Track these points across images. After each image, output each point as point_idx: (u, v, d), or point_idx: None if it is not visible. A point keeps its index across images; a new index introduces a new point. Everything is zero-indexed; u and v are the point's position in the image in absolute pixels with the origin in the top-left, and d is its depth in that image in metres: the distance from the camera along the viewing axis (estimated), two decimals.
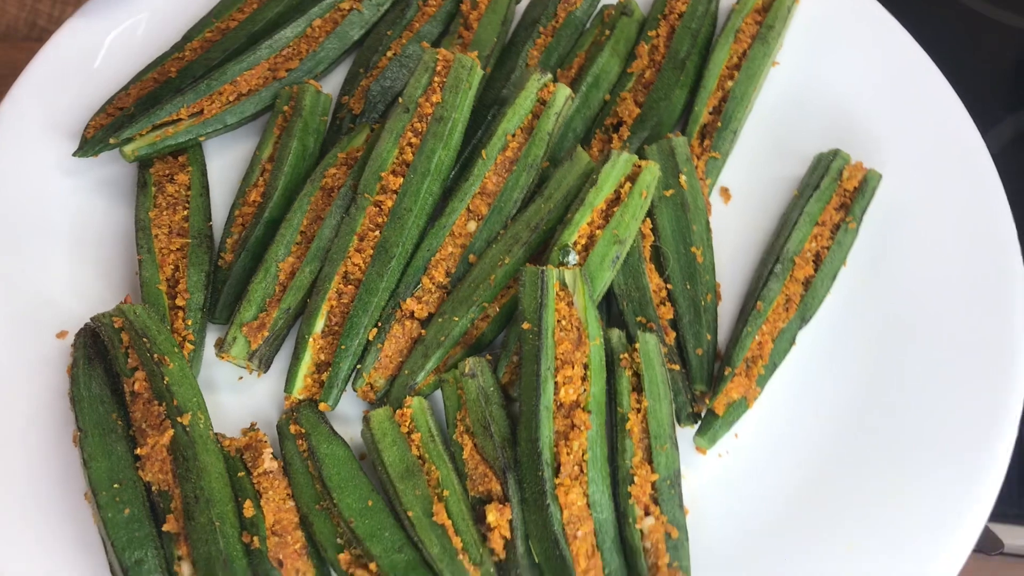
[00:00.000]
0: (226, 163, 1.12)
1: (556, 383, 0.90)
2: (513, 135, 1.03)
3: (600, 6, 1.19)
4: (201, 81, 1.09)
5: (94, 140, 1.07)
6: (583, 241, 0.97)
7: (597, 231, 0.97)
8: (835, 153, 1.06)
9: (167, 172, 1.08)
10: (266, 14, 1.15)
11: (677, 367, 0.96)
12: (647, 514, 0.88)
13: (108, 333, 0.93)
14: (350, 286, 0.97)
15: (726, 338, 1.01)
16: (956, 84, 1.03)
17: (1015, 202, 0.97)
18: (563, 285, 0.93)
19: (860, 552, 0.89)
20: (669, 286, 1.00)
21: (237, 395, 0.99)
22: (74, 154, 1.07)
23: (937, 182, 1.04)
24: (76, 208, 1.08)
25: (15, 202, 1.06)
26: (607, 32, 1.14)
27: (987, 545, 1.09)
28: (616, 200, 0.98)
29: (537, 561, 0.86)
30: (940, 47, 1.04)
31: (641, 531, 0.87)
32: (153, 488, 0.87)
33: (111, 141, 1.05)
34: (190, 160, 1.09)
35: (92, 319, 0.96)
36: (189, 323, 0.98)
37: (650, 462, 0.90)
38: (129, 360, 0.92)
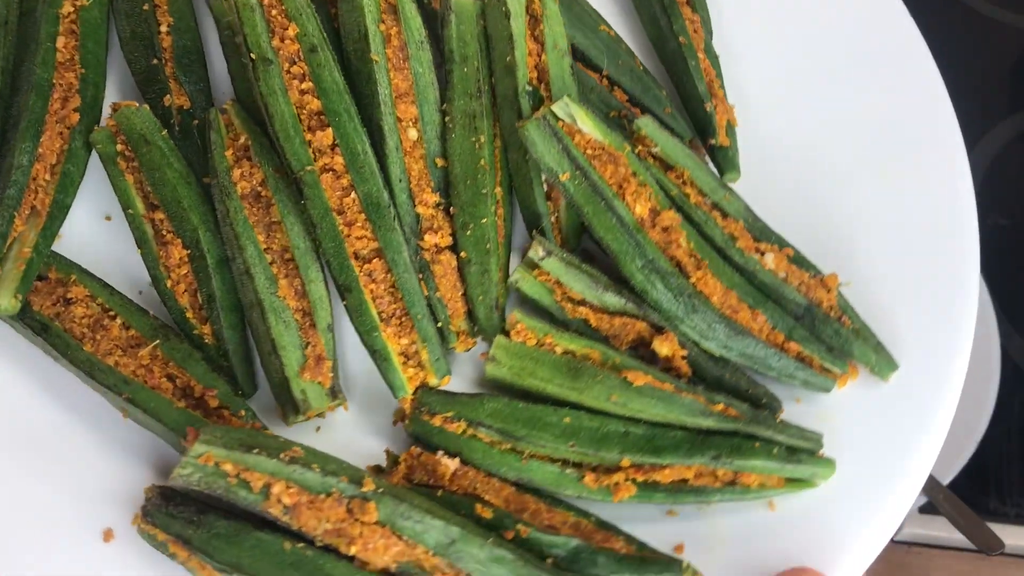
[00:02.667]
0: (95, 252, 0.88)
1: (627, 203, 0.87)
2: (380, 20, 0.91)
3: None
4: (1, 180, 0.83)
5: None
6: (533, 75, 0.92)
7: (540, 58, 0.92)
8: None
9: (54, 300, 0.83)
10: None
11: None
12: (762, 254, 0.91)
13: None
14: (373, 260, 0.84)
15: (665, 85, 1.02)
16: (956, 84, 1.00)
17: (1016, 202, 1.01)
18: (563, 123, 0.88)
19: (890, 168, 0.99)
20: (605, 72, 0.98)
21: (328, 444, 0.84)
22: None
23: None
24: None
25: None
26: None
27: (987, 545, 1.13)
28: (533, 20, 0.92)
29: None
30: (940, 47, 1.00)
31: (771, 271, 0.91)
32: None
33: None
34: (62, 271, 0.85)
35: None
36: (243, 413, 0.81)
37: (727, 216, 0.92)
38: None
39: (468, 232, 0.89)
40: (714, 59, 1.01)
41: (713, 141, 0.97)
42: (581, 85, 0.95)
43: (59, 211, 0.86)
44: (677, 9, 1.01)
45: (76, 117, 0.88)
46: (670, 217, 0.88)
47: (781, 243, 0.93)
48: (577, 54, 0.98)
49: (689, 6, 1.02)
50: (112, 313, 0.83)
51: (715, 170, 0.97)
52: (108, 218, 0.91)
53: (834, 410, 0.89)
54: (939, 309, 0.92)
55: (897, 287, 0.93)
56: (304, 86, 0.86)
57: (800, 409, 0.89)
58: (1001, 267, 1.27)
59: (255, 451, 0.74)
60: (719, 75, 1.01)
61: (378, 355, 0.84)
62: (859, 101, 1.00)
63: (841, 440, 0.87)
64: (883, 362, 0.90)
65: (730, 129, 0.98)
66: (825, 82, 1.01)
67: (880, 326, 0.91)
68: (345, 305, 0.84)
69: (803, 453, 0.85)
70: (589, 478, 0.82)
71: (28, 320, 0.82)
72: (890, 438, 0.88)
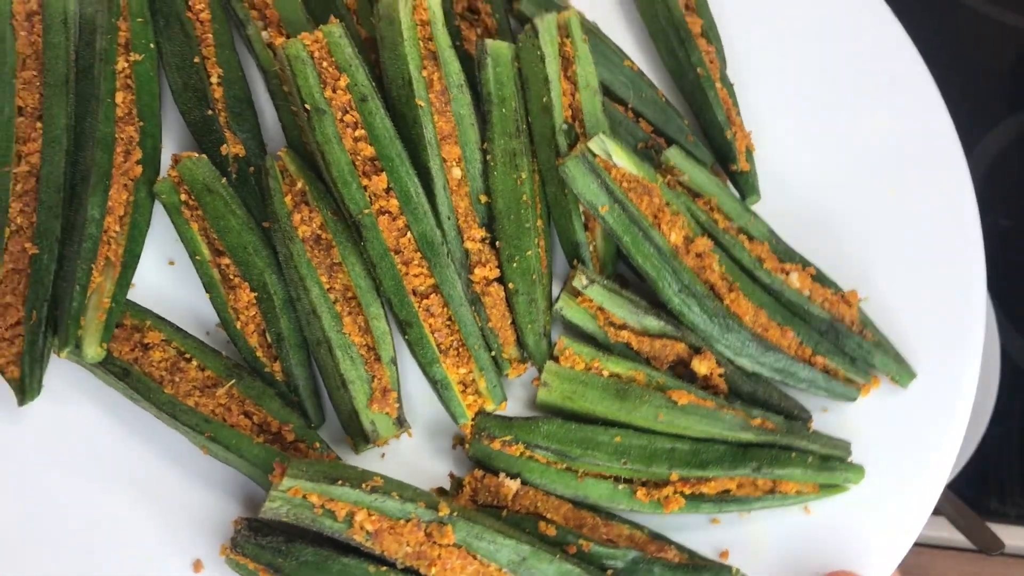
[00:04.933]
0: (162, 297, 0.93)
1: (663, 232, 0.94)
2: (422, 66, 0.97)
3: None
4: (76, 235, 0.88)
5: (29, 374, 0.85)
6: (568, 114, 0.97)
7: (574, 97, 0.98)
8: None
9: (132, 346, 0.88)
10: (58, 123, 0.92)
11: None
12: (787, 274, 0.98)
13: None
14: (431, 296, 0.90)
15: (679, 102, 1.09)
16: (956, 84, 1.00)
17: (1016, 203, 1.02)
18: (599, 158, 0.94)
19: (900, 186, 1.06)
20: (630, 104, 1.04)
21: (394, 469, 0.90)
22: (22, 403, 0.84)
23: None
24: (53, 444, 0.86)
25: None
26: None
27: (987, 545, 1.14)
28: (565, 61, 0.98)
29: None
30: (940, 47, 0.99)
31: (797, 289, 0.97)
32: None
33: (60, 355, 0.84)
34: (136, 317, 0.90)
35: None
36: (317, 446, 0.87)
37: (752, 239, 0.99)
38: None
39: (514, 264, 0.94)
40: (730, 88, 1.07)
41: (734, 167, 1.03)
42: (611, 119, 1.01)
43: (131, 260, 0.90)
44: (693, 42, 1.07)
45: (139, 169, 0.92)
46: (703, 244, 0.94)
47: (804, 262, 1.00)
48: (604, 89, 1.03)
49: (704, 38, 1.08)
50: (187, 356, 0.89)
51: (737, 194, 1.03)
52: (172, 263, 0.95)
53: (859, 418, 0.96)
54: (950, 318, 1.00)
55: (910, 300, 1.00)
56: (357, 134, 0.91)
57: (827, 418, 0.97)
58: (1001, 268, 1.28)
59: (338, 482, 0.80)
60: (735, 103, 1.07)
61: (439, 385, 0.90)
62: (866, 125, 1.07)
63: (867, 446, 0.94)
64: (903, 371, 0.97)
65: (749, 154, 1.05)
66: (833, 107, 1.08)
67: (896, 337, 0.98)
68: (406, 339, 0.90)
69: (834, 460, 0.92)
70: (641, 493, 0.89)
71: (110, 366, 0.87)
72: (912, 440, 0.95)
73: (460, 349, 0.91)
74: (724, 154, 1.04)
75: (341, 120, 0.91)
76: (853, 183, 1.05)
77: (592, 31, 1.05)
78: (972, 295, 1.01)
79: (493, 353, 0.93)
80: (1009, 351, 1.32)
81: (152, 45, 0.98)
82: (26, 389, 0.84)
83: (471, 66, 1.00)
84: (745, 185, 1.04)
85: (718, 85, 1.06)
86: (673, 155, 0.98)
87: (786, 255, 0.99)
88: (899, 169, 1.05)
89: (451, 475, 0.91)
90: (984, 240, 1.01)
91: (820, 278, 0.99)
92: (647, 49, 1.11)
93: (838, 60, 1.10)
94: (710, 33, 1.09)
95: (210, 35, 0.99)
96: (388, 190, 0.91)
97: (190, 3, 1.00)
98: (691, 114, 1.08)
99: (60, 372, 0.89)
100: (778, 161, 1.06)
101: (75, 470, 0.87)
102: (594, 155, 0.94)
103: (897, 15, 1.10)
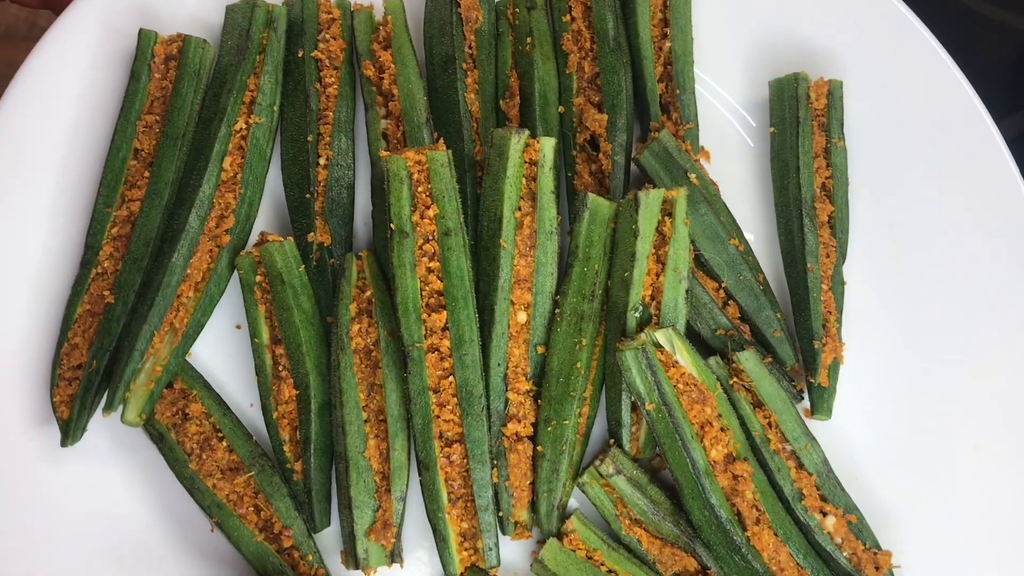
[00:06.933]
0: (219, 360, 0.98)
1: (704, 447, 0.91)
2: (517, 206, 0.95)
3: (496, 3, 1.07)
4: (150, 295, 0.92)
5: (76, 419, 0.91)
6: (647, 292, 0.94)
7: (658, 278, 0.94)
8: (795, 77, 1.05)
9: (174, 412, 0.93)
10: (165, 176, 0.96)
11: (769, 359, 0.99)
12: (824, 515, 0.94)
13: None
14: (455, 444, 0.91)
15: (784, 301, 1.03)
16: None
17: None
18: (662, 350, 0.91)
19: (985, 450, 0.99)
20: (724, 284, 1.00)
21: None
22: (63, 444, 0.91)
23: (894, 83, 1.05)
24: (83, 490, 0.93)
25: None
26: (527, 39, 1.04)
27: None
28: (661, 238, 0.95)
29: None
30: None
31: (829, 534, 0.93)
32: None
33: (104, 414, 0.90)
34: (187, 383, 0.94)
35: None
36: (310, 558, 0.91)
37: (801, 467, 0.95)
38: None
39: (549, 428, 0.94)
40: (839, 288, 1.01)
41: (812, 379, 0.98)
42: (695, 299, 0.97)
43: (195, 330, 0.95)
44: (815, 230, 1.01)
45: (227, 238, 0.96)
46: (743, 468, 0.91)
47: (848, 507, 0.95)
48: (701, 263, 1.00)
49: (829, 226, 1.02)
50: (220, 435, 0.93)
51: (805, 407, 0.99)
52: (238, 327, 0.99)
53: None
54: None
55: None
56: (432, 264, 0.91)
57: None
58: None
59: None
60: (839, 306, 1.01)
61: (439, 534, 0.91)
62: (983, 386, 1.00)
63: None
64: None
65: (834, 367, 0.99)
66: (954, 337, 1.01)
67: None
68: (420, 480, 0.91)
69: None
70: None
71: (149, 428, 0.93)
72: None
73: (468, 503, 0.92)
74: (808, 360, 0.99)
75: (420, 247, 0.92)
76: (944, 441, 0.99)
77: (709, 198, 1.00)
78: None
79: (501, 513, 0.93)
80: None
81: (276, 108, 1.00)
82: (70, 432, 0.91)
83: (575, 205, 0.98)
84: (818, 399, 0.99)
85: (824, 286, 1.00)
86: (746, 359, 0.94)
87: (831, 494, 0.95)
88: (989, 429, 0.98)
89: None
90: None
91: (859, 527, 0.95)
92: (770, 219, 1.05)
93: (969, 284, 1.02)
94: (838, 223, 1.03)
95: (331, 113, 1.01)
96: (444, 328, 0.91)
97: (322, 74, 1.01)
98: (790, 304, 1.03)
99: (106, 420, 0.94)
100: (866, 380, 1.01)
101: (106, 511, 0.94)
102: (658, 346, 0.91)
103: None
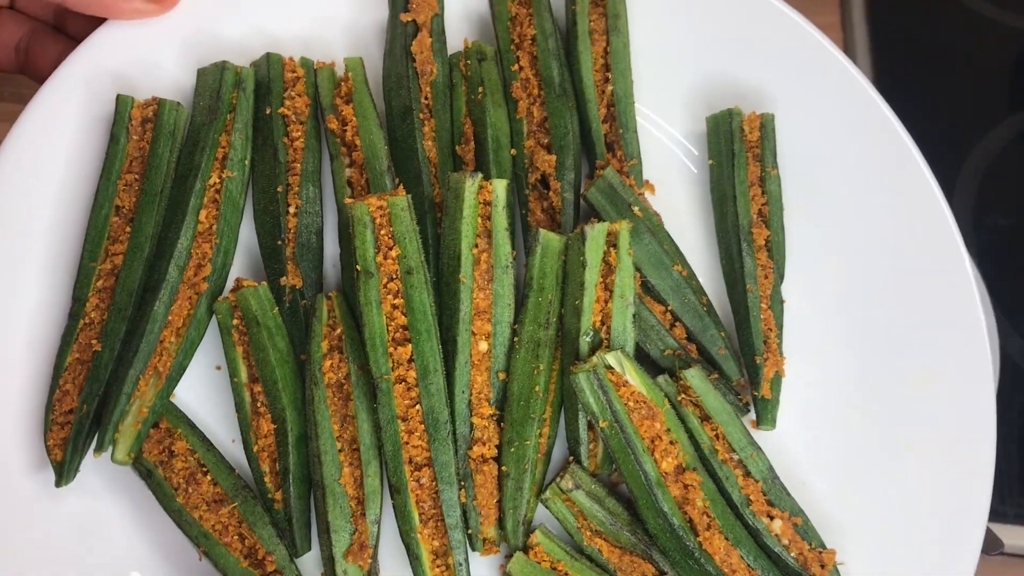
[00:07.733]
0: (201, 399, 1.05)
1: (655, 460, 0.98)
2: (474, 244, 1.03)
3: (448, 56, 1.15)
4: (135, 342, 0.99)
5: (69, 461, 0.97)
6: (597, 319, 1.02)
7: (607, 304, 1.02)
8: (730, 113, 1.13)
9: (161, 449, 1.00)
10: (145, 231, 1.03)
11: (715, 375, 1.06)
12: (772, 519, 1.01)
13: None
14: (424, 468, 0.98)
15: (727, 321, 1.11)
16: (956, 84, 0.99)
17: (1016, 202, 1.01)
18: (613, 372, 0.98)
19: (918, 450, 1.06)
20: (670, 307, 1.07)
21: None
22: (58, 485, 0.97)
23: (821, 113, 1.13)
24: (78, 526, 1.00)
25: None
26: (479, 88, 1.12)
27: (987, 545, 1.10)
28: (608, 267, 1.02)
29: None
30: (940, 47, 1.01)
31: (777, 536, 1.00)
32: None
33: (95, 455, 0.96)
34: (172, 422, 1.01)
35: None
36: None
37: (748, 475, 1.02)
38: None
39: (512, 449, 1.01)
40: (778, 306, 1.09)
41: (756, 392, 1.06)
42: (642, 323, 1.05)
43: (177, 373, 1.02)
44: (752, 254, 1.08)
45: (205, 286, 1.03)
46: (692, 478, 0.98)
47: (793, 510, 1.02)
48: (648, 289, 1.07)
49: (767, 249, 1.10)
50: (205, 469, 1.00)
51: (752, 418, 1.06)
52: (218, 368, 1.06)
53: None
54: None
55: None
56: (396, 301, 0.99)
57: None
58: (1001, 267, 1.26)
59: None
60: (779, 323, 1.08)
61: (411, 553, 0.98)
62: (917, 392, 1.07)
63: None
64: None
65: (776, 380, 1.06)
66: (890, 353, 1.08)
67: None
68: (393, 503, 0.98)
69: None
70: None
71: (137, 465, 0.99)
72: None
73: (439, 523, 0.98)
74: (752, 374, 1.07)
75: (385, 286, 0.99)
76: (881, 445, 1.06)
77: (652, 228, 1.08)
78: None
79: (470, 531, 1.00)
80: (1009, 351, 1.27)
81: (247, 162, 1.08)
82: (64, 473, 0.97)
83: (528, 239, 1.06)
84: (763, 411, 1.06)
85: (763, 305, 1.08)
86: (692, 376, 1.02)
87: (777, 499, 1.02)
88: (930, 431, 1.05)
89: None
90: (984, 240, 0.95)
91: (805, 529, 1.01)
92: (713, 245, 1.13)
93: (901, 299, 1.09)
94: (775, 246, 1.10)
95: (299, 164, 1.08)
96: (410, 360, 0.98)
97: (288, 129, 1.09)
98: (733, 324, 1.10)
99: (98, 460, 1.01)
100: (807, 391, 1.08)
101: (102, 546, 1.01)
102: (608, 368, 0.98)
103: (897, 15, 1.07)
